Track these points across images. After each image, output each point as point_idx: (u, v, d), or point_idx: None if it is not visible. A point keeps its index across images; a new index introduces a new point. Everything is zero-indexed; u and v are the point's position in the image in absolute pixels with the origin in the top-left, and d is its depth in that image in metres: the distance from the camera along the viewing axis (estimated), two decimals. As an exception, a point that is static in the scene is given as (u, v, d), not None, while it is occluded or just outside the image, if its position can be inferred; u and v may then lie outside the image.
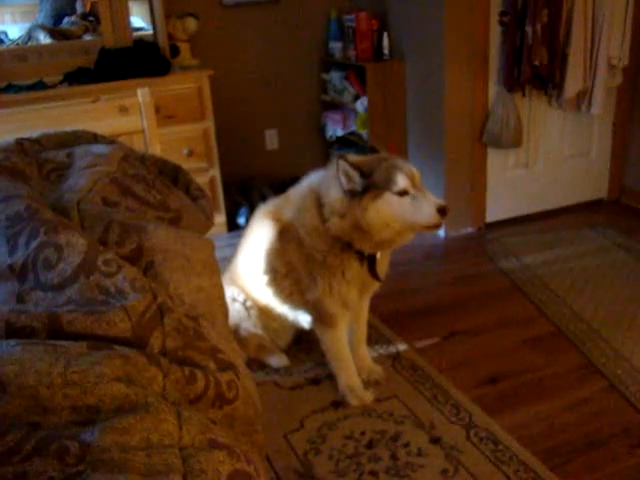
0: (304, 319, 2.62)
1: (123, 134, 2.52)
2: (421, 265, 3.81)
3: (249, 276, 2.64)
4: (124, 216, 1.41)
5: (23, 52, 4.17)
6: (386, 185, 2.14)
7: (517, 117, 3.91)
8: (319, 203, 2.28)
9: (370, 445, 2.31)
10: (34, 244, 1.21)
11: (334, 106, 4.85)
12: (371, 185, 2.15)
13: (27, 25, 4.33)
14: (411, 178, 2.16)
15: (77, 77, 3.94)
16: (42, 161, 1.68)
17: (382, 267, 2.43)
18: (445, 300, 3.36)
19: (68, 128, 2.07)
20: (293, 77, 4.86)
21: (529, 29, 3.63)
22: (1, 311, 1.08)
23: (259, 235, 2.56)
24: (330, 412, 2.50)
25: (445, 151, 3.95)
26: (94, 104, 2.84)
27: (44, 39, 4.29)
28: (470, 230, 4.19)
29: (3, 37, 4.25)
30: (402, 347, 2.90)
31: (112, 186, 1.53)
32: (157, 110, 2.75)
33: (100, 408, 0.93)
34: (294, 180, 2.49)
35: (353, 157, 2.26)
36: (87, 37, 4.39)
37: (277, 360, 2.79)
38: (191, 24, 4.27)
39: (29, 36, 4.29)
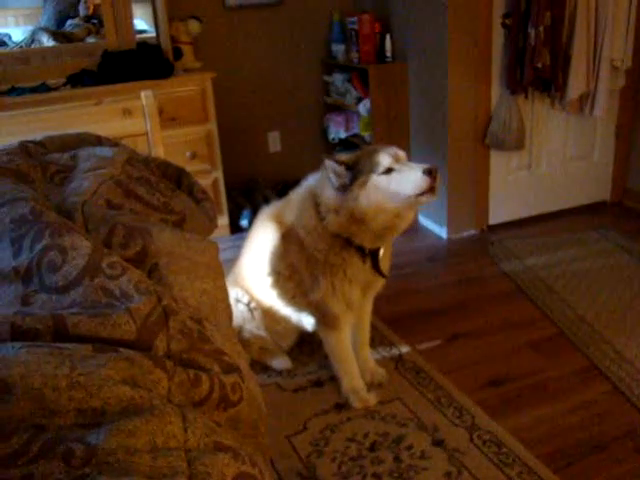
0: (307, 321, 2.62)
1: (126, 137, 2.53)
2: (424, 267, 3.81)
3: (253, 278, 2.65)
4: (128, 219, 1.41)
5: (26, 55, 4.18)
6: (371, 169, 2.16)
7: (520, 119, 3.92)
8: (316, 204, 2.31)
9: (373, 448, 2.31)
10: (39, 247, 1.22)
11: (337, 108, 4.86)
12: (358, 174, 2.18)
13: (30, 28, 4.33)
14: (394, 156, 2.17)
15: (80, 79, 3.94)
16: (46, 164, 1.69)
17: (385, 263, 2.43)
18: (448, 302, 3.36)
19: (72, 130, 2.08)
20: (296, 79, 4.87)
21: (532, 31, 3.63)
22: (6, 313, 1.08)
23: (262, 238, 2.57)
24: (333, 414, 2.50)
25: (448, 153, 3.96)
26: (97, 107, 2.85)
27: (47, 42, 4.30)
28: (473, 232, 4.19)
29: (7, 40, 4.25)
30: (405, 349, 2.90)
31: (116, 189, 1.54)
32: (160, 112, 2.76)
33: (105, 411, 0.93)
34: (297, 182, 2.50)
35: (341, 156, 2.29)
36: (90, 40, 4.40)
37: (280, 362, 2.79)
38: (194, 26, 4.28)
39: (32, 39, 4.30)
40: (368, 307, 2.68)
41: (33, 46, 4.28)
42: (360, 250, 2.32)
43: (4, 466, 0.85)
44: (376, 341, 2.93)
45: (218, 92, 4.20)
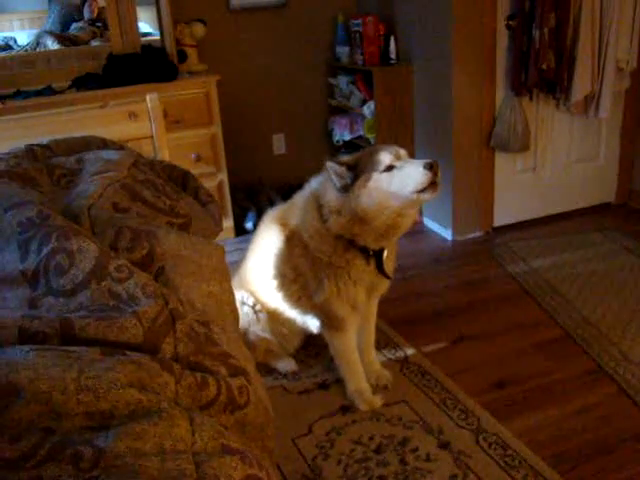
0: (313, 323, 2.62)
1: (132, 140, 2.53)
2: (429, 269, 3.80)
3: (258, 281, 2.65)
4: (135, 222, 1.41)
5: (31, 58, 4.20)
6: (372, 167, 2.16)
7: (524, 121, 3.91)
8: (319, 206, 2.31)
9: (379, 450, 2.31)
10: (46, 250, 1.22)
11: (341, 111, 4.86)
12: (359, 173, 2.18)
13: (35, 31, 4.35)
14: (395, 154, 2.18)
15: (85, 83, 3.95)
16: (52, 167, 1.69)
17: (389, 264, 2.43)
18: (453, 304, 3.36)
19: (77, 134, 2.08)
20: (300, 81, 4.87)
21: (536, 33, 3.63)
22: (14, 317, 1.08)
23: (267, 241, 2.57)
24: (339, 417, 2.50)
25: (453, 155, 3.95)
26: (102, 110, 2.85)
27: (52, 45, 4.31)
28: (478, 234, 4.19)
29: (12, 43, 4.27)
30: (410, 352, 2.90)
31: (122, 192, 1.54)
32: (165, 115, 2.76)
33: (113, 414, 0.93)
34: (301, 185, 2.50)
35: (342, 157, 2.30)
36: (95, 43, 4.42)
37: (285, 365, 2.79)
38: (198, 29, 4.29)
39: (37, 42, 4.32)
40: (373, 309, 2.68)
41: (38, 49, 4.29)
42: (364, 251, 2.32)
43: (13, 469, 0.85)
44: (381, 343, 2.93)
45: (223, 94, 4.20)
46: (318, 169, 2.37)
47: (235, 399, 1.12)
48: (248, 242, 2.78)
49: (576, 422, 2.40)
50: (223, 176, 4.24)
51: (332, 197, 2.25)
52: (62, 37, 4.35)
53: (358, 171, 2.19)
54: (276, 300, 2.60)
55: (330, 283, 2.37)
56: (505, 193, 4.20)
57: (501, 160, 4.10)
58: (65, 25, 4.41)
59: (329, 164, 2.21)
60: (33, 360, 0.95)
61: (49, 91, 3.84)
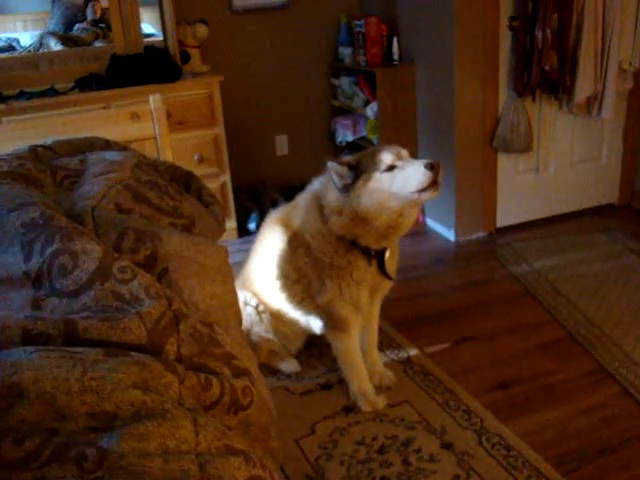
0: (316, 324, 2.62)
1: (135, 140, 2.53)
2: (431, 270, 3.81)
3: (261, 282, 2.65)
4: (138, 223, 1.41)
5: (34, 59, 4.20)
6: (373, 167, 2.17)
7: (527, 122, 3.91)
8: (320, 206, 2.32)
9: (382, 450, 2.31)
10: (49, 251, 1.22)
11: (344, 111, 4.86)
12: (360, 173, 2.19)
13: (38, 32, 4.36)
14: (396, 154, 2.19)
15: (88, 83, 3.96)
16: (55, 168, 1.69)
17: (391, 265, 2.43)
18: (456, 305, 3.36)
19: (80, 135, 2.08)
20: (303, 82, 4.88)
21: (539, 34, 3.63)
22: (18, 318, 1.08)
23: (270, 242, 2.57)
24: (341, 417, 2.51)
25: (456, 156, 3.95)
26: (106, 110, 2.85)
27: (55, 46, 4.32)
28: (481, 235, 4.19)
29: (15, 44, 4.28)
30: (413, 352, 2.90)
31: (126, 193, 1.54)
32: (168, 116, 2.76)
33: (117, 415, 0.93)
34: (304, 185, 2.50)
35: (343, 158, 2.32)
36: (98, 44, 4.42)
37: (288, 365, 2.80)
38: (201, 30, 4.30)
39: (40, 43, 4.32)
40: (376, 310, 2.68)
41: (41, 50, 4.30)
42: (366, 252, 2.32)
43: (17, 470, 0.85)
44: (384, 344, 2.93)
45: (225, 95, 4.21)
46: (321, 170, 2.38)
47: (238, 400, 1.12)
48: (251, 243, 2.78)
49: (579, 423, 2.40)
50: (226, 177, 4.25)
51: (333, 197, 2.25)
52: (65, 38, 4.36)
53: (359, 171, 2.20)
54: (279, 301, 2.61)
55: (332, 284, 2.38)
56: (508, 194, 4.19)
57: (504, 161, 4.10)
58: (68, 26, 4.41)
59: (330, 164, 2.22)
60: (37, 361, 0.95)
61: (52, 92, 3.84)
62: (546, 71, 3.71)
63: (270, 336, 2.72)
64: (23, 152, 1.76)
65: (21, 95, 3.80)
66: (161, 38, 4.35)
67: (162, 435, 0.92)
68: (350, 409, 2.55)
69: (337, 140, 4.90)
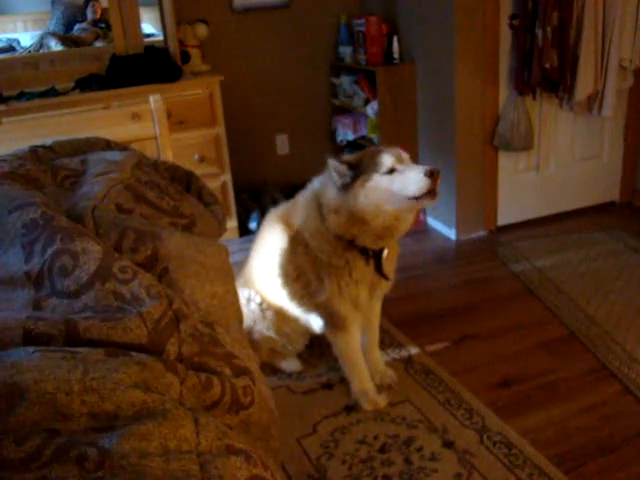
0: (316, 323, 2.62)
1: (135, 140, 2.53)
2: (432, 268, 3.81)
3: (262, 280, 2.65)
4: (139, 223, 1.41)
5: (35, 59, 4.21)
6: (374, 168, 2.18)
7: (528, 120, 3.91)
8: (319, 205, 2.32)
9: (383, 449, 2.31)
10: (50, 251, 1.22)
11: (345, 110, 4.86)
12: (360, 173, 2.20)
13: (39, 32, 4.36)
14: (397, 157, 2.19)
15: (88, 84, 3.96)
16: (56, 168, 1.69)
17: (389, 265, 2.43)
18: (457, 303, 3.36)
19: (81, 135, 2.09)
20: (303, 82, 4.88)
21: (539, 32, 3.63)
22: (18, 318, 1.08)
23: (270, 240, 2.57)
24: (343, 416, 2.51)
25: (456, 154, 3.96)
26: (106, 111, 2.85)
27: (55, 46, 4.32)
28: (482, 233, 4.19)
29: (15, 45, 4.28)
30: (414, 351, 2.90)
31: (126, 193, 1.54)
32: (168, 116, 2.76)
33: (118, 414, 0.93)
34: (305, 184, 2.50)
35: (345, 156, 2.32)
36: (98, 44, 4.42)
37: (289, 365, 2.80)
38: (202, 30, 4.30)
39: (41, 43, 4.32)
40: (377, 308, 2.68)
41: (41, 51, 4.31)
42: (364, 252, 2.32)
43: (18, 470, 0.85)
44: (385, 343, 2.93)
45: (226, 95, 4.21)
46: (321, 169, 2.38)
47: (239, 399, 1.12)
48: (252, 242, 2.78)
49: (581, 421, 2.40)
50: (227, 177, 4.25)
51: (331, 196, 2.26)
52: (65, 38, 4.36)
53: (359, 171, 2.20)
54: (280, 299, 2.60)
55: (331, 283, 2.38)
56: (508, 192, 4.19)
57: (504, 159, 4.10)
58: (68, 26, 4.41)
59: (331, 161, 2.23)
60: (38, 361, 0.95)
61: (53, 92, 3.85)
62: (546, 69, 3.71)
63: (272, 334, 2.72)
64: (24, 153, 1.77)
65: (21, 96, 3.81)
66: (161, 38, 4.35)
67: (163, 435, 0.92)
68: (351, 408, 2.55)
69: (338, 139, 4.90)
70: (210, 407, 1.06)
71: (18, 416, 0.90)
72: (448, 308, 3.32)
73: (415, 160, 3.85)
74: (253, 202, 4.53)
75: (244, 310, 2.52)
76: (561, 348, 2.87)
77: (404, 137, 4.30)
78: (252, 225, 4.35)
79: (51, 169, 1.68)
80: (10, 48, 4.28)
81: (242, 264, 2.84)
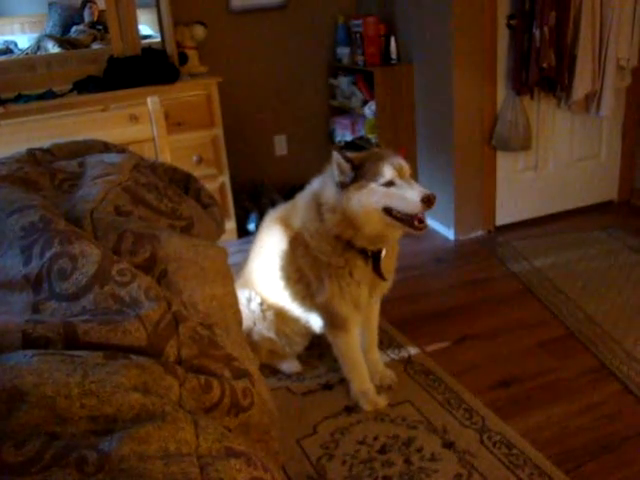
0: (316, 323, 2.61)
1: (133, 142, 2.53)
2: (431, 269, 3.81)
3: (261, 282, 2.65)
4: (137, 225, 1.41)
5: (32, 62, 4.20)
6: (372, 177, 2.17)
7: (526, 120, 3.91)
8: (319, 205, 2.32)
9: (383, 450, 2.31)
10: (48, 254, 1.22)
11: (342, 111, 4.86)
12: (359, 177, 2.19)
13: (36, 35, 4.36)
14: (398, 170, 2.18)
15: (86, 86, 3.95)
16: (54, 171, 1.69)
17: (388, 266, 2.42)
18: (456, 304, 3.36)
19: (78, 137, 2.09)
20: (301, 83, 4.87)
21: (537, 32, 3.63)
22: (17, 321, 1.08)
23: (269, 242, 2.57)
24: (343, 417, 2.50)
25: (454, 154, 3.95)
26: (104, 113, 2.85)
27: (53, 48, 4.32)
28: (480, 233, 4.19)
29: (12, 47, 4.28)
30: (414, 351, 2.90)
31: (124, 195, 1.54)
32: (166, 117, 2.76)
33: (117, 418, 0.93)
34: (303, 185, 2.50)
35: (349, 153, 2.30)
36: (95, 46, 4.42)
37: (289, 366, 2.80)
38: (199, 31, 4.30)
39: (38, 46, 4.32)
40: (375, 309, 2.68)
41: (39, 53, 4.30)
42: (363, 252, 2.32)
43: (18, 474, 0.85)
44: (385, 343, 2.93)
45: (224, 96, 4.20)
46: (320, 169, 2.38)
47: (239, 401, 1.12)
48: (251, 244, 2.78)
49: (581, 420, 2.40)
50: (225, 178, 4.25)
51: (330, 194, 2.26)
52: (62, 40, 4.36)
53: (359, 174, 2.19)
54: (280, 300, 2.60)
55: (331, 283, 2.38)
56: (507, 192, 4.19)
57: (503, 159, 4.10)
58: (65, 28, 4.41)
59: (335, 154, 2.22)
60: (37, 365, 0.95)
61: (50, 95, 3.84)
62: (544, 69, 3.71)
63: (272, 335, 2.71)
64: (22, 155, 1.77)
65: (19, 98, 3.80)
66: (159, 39, 4.35)
67: (163, 438, 0.92)
68: (351, 409, 2.54)
69: (336, 140, 4.90)
70: (210, 409, 1.06)
71: (18, 420, 0.90)
72: (447, 308, 3.31)
73: (413, 162, 3.87)
74: (251, 203, 4.53)
75: (244, 311, 2.52)
76: (560, 348, 2.87)
77: (402, 137, 4.30)
78: (251, 226, 4.35)
79: (49, 172, 1.68)
80: (7, 50, 4.27)
81: (241, 265, 2.83)
